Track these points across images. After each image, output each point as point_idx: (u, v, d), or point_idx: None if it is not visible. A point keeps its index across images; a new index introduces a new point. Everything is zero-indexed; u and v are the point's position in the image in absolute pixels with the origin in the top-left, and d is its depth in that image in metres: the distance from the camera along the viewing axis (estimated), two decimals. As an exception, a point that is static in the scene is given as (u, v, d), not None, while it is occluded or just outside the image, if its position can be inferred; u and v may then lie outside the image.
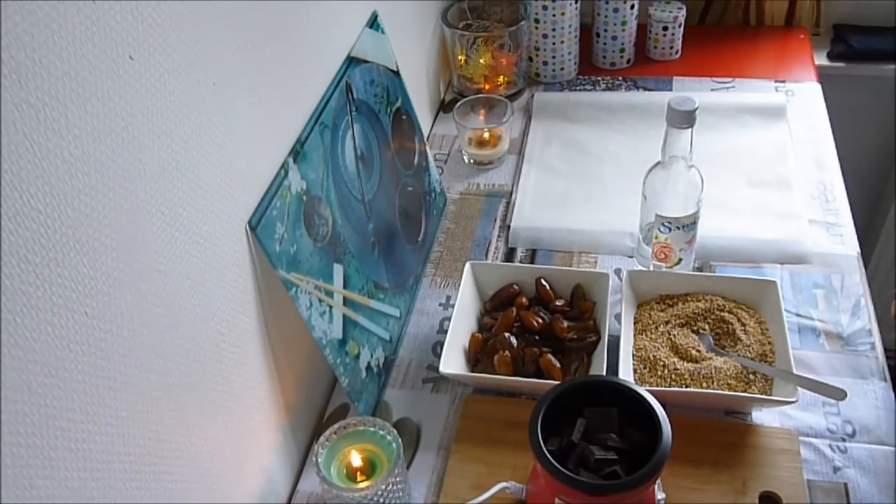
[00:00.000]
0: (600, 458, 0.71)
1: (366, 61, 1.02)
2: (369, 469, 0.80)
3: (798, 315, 1.02)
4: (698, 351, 0.93)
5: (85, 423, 0.55)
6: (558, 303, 0.99)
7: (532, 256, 1.15)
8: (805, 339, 0.99)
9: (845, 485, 0.84)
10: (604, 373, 0.90)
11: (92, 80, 0.53)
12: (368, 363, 0.94)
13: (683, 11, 1.46)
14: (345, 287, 0.91)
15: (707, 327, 0.96)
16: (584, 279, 1.01)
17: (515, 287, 1.02)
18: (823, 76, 1.45)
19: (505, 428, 0.90)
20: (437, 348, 1.02)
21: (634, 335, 0.96)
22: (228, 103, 0.72)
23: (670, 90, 1.43)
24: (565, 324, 0.96)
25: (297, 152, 0.84)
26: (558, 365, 0.92)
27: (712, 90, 1.42)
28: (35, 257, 0.49)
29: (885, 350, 0.98)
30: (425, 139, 1.22)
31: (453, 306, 0.99)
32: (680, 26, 1.47)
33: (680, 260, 1.02)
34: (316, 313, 0.84)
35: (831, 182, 1.21)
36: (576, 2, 1.40)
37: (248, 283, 0.78)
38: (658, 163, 0.97)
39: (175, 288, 0.65)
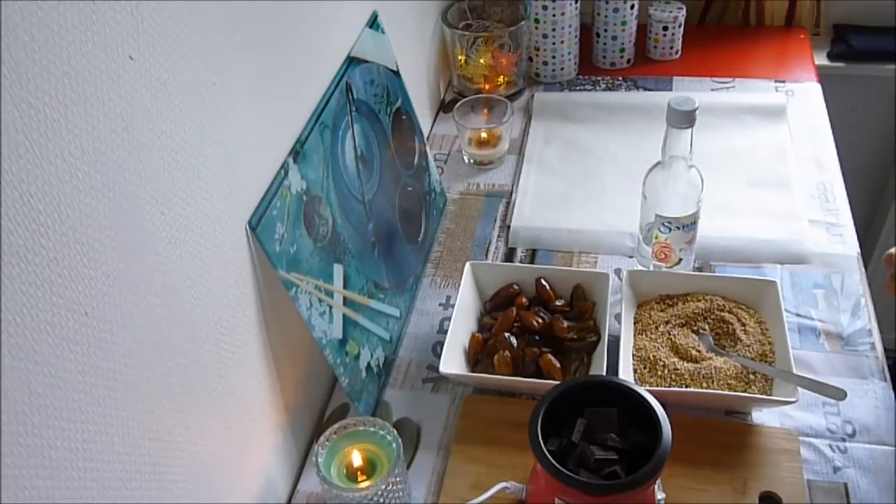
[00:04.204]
0: (600, 458, 0.71)
1: (366, 61, 1.02)
2: (369, 469, 0.80)
3: (798, 315, 1.02)
4: (698, 351, 0.93)
5: (85, 423, 0.55)
6: (558, 303, 0.99)
7: (532, 256, 1.15)
8: (805, 339, 0.99)
9: (845, 485, 0.84)
10: (604, 373, 0.90)
11: (92, 80, 0.53)
12: (368, 363, 0.94)
13: (683, 11, 1.46)
14: (345, 287, 0.91)
15: (707, 327, 0.96)
16: (584, 279, 1.01)
17: (515, 287, 1.02)
18: (823, 76, 1.45)
19: (505, 428, 0.90)
20: (437, 348, 1.02)
21: (634, 335, 0.96)
22: (228, 103, 0.72)
23: (670, 90, 1.43)
24: (565, 324, 0.96)
25: (297, 152, 0.84)
26: (558, 365, 0.92)
27: (712, 90, 1.42)
28: (35, 257, 0.49)
29: (885, 350, 0.98)
30: (425, 139, 1.22)
31: (453, 306, 0.99)
32: (680, 26, 1.47)
33: (680, 260, 1.02)
34: (316, 313, 0.84)
35: (831, 182, 1.21)
36: (576, 2, 1.40)
37: (248, 283, 0.78)
38: (658, 163, 0.97)
39: (175, 288, 0.65)
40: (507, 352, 0.93)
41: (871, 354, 0.96)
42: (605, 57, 1.50)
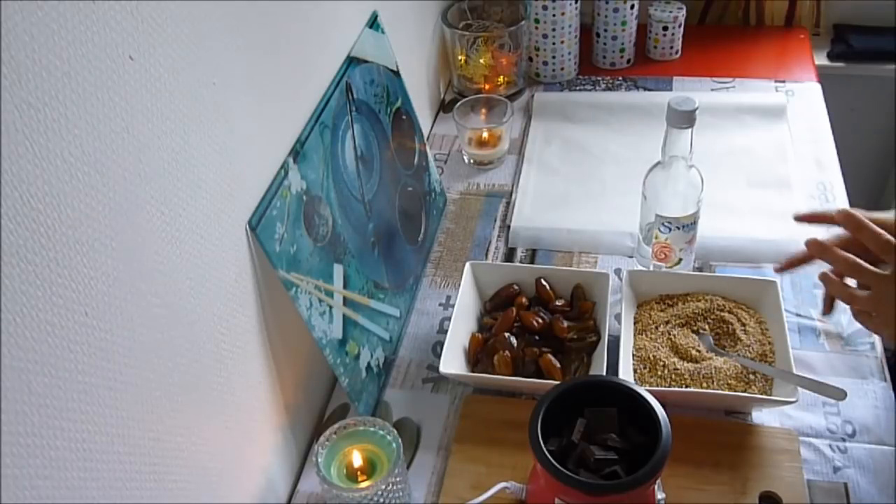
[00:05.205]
0: (600, 458, 0.71)
1: (366, 61, 1.02)
2: (369, 469, 0.80)
3: (798, 315, 1.02)
4: (698, 351, 0.93)
5: (85, 423, 0.55)
6: (558, 303, 0.99)
7: (532, 256, 1.15)
8: (805, 339, 0.99)
9: (845, 485, 0.84)
10: (604, 373, 0.90)
11: (92, 80, 0.53)
12: (368, 363, 0.94)
13: (683, 11, 1.46)
14: (345, 287, 0.91)
15: (707, 327, 0.96)
16: (584, 279, 1.01)
17: (515, 287, 1.02)
18: (823, 76, 1.45)
19: (505, 428, 0.90)
20: (437, 348, 1.02)
21: (634, 335, 0.96)
22: (228, 103, 0.72)
23: (670, 90, 1.43)
24: (565, 324, 0.96)
25: (297, 152, 0.84)
26: (558, 365, 0.92)
27: (712, 90, 1.42)
28: (35, 257, 0.49)
29: (885, 350, 0.98)
30: (425, 139, 1.22)
31: (453, 306, 0.99)
32: (680, 26, 1.47)
33: (680, 260, 1.02)
34: (316, 313, 0.84)
35: (831, 182, 1.22)
36: (576, 2, 1.40)
37: (248, 283, 0.78)
38: (658, 163, 0.97)
39: (175, 288, 0.65)
40: (507, 352, 0.93)
41: (871, 354, 0.96)
42: (605, 57, 1.50)
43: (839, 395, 0.84)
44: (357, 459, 0.80)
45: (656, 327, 0.97)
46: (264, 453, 0.85)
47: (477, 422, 0.92)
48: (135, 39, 0.58)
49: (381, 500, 0.78)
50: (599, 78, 1.49)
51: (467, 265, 1.03)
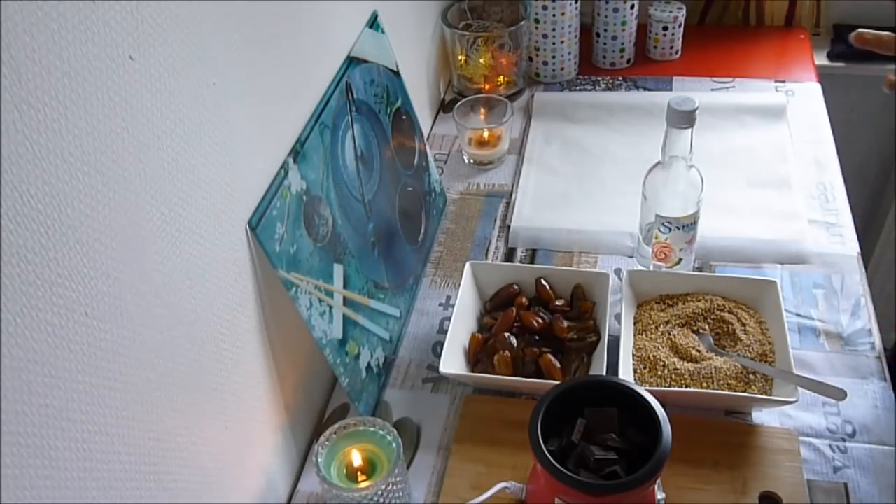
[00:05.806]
0: (600, 458, 0.71)
1: (366, 61, 1.02)
2: (369, 469, 0.80)
3: (798, 315, 1.02)
4: (698, 351, 0.93)
5: (85, 423, 0.55)
6: (558, 303, 0.99)
7: (532, 256, 1.15)
8: (805, 339, 0.99)
9: (845, 485, 0.84)
10: (604, 373, 0.90)
11: (92, 80, 0.53)
12: (368, 363, 0.94)
13: (683, 11, 1.46)
14: (345, 287, 0.91)
15: (707, 327, 0.96)
16: (584, 279, 1.01)
17: (515, 287, 1.02)
18: (823, 76, 1.45)
19: (505, 428, 0.90)
20: (437, 348, 1.02)
21: (634, 335, 0.96)
22: (228, 103, 0.72)
23: (670, 90, 1.43)
24: (565, 324, 0.96)
25: (297, 152, 0.84)
26: (558, 365, 0.92)
27: (712, 90, 1.42)
28: (35, 257, 0.49)
29: (885, 350, 0.98)
30: (425, 139, 1.22)
31: (453, 306, 0.99)
32: (680, 26, 1.47)
33: (680, 260, 1.02)
34: (316, 313, 0.84)
35: (831, 182, 1.22)
36: (576, 2, 1.40)
37: (248, 283, 0.78)
38: (658, 163, 0.97)
39: (175, 288, 0.65)
40: (507, 352, 0.93)
41: (871, 354, 0.96)
42: (605, 57, 1.50)
43: (839, 395, 0.84)
44: (357, 459, 0.80)
45: (656, 327, 0.97)
46: (264, 453, 0.85)
47: (477, 422, 0.92)
48: (135, 39, 0.58)
49: (381, 500, 0.78)
50: (599, 78, 1.48)
51: (467, 265, 1.03)
